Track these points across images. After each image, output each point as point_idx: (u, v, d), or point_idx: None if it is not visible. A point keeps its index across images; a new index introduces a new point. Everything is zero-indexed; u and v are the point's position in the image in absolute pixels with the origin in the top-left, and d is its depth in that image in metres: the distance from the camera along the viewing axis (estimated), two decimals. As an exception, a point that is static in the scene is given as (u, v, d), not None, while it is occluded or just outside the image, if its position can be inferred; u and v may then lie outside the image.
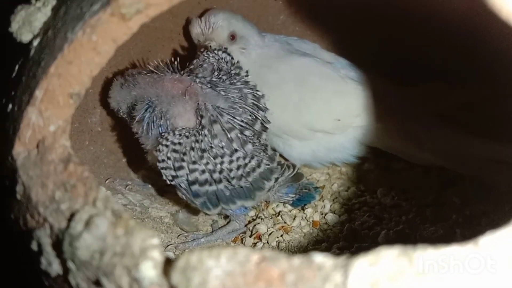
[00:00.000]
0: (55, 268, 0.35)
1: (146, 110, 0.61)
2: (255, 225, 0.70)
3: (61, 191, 0.36)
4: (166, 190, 0.73)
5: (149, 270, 0.31)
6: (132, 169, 0.76)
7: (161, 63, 0.63)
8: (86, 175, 0.36)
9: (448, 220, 0.66)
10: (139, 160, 0.70)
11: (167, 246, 0.66)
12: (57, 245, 0.35)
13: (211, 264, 0.29)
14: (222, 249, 0.29)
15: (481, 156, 0.67)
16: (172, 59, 0.64)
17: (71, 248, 0.33)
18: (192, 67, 0.64)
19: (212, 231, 0.70)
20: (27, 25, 0.42)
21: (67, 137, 0.38)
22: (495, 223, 0.60)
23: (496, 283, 0.28)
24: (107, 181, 0.73)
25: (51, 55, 0.38)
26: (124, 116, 0.66)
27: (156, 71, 0.63)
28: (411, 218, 0.68)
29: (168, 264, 0.31)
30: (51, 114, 0.38)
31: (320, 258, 0.29)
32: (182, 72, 0.62)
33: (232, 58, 0.65)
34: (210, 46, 0.69)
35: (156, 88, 0.61)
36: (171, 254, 0.63)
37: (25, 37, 0.44)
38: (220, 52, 0.65)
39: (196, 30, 0.72)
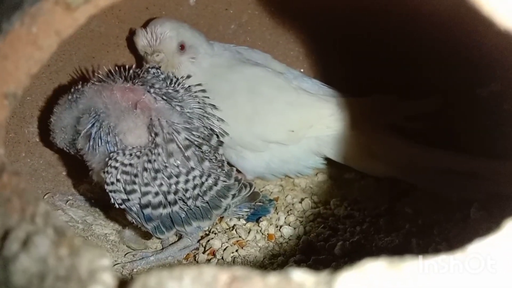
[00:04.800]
0: (-15, 297, 0.30)
1: (93, 125, 0.56)
2: (208, 241, 0.67)
3: (-7, 206, 0.31)
4: (111, 206, 0.68)
5: (100, 295, 0.27)
6: (73, 183, 0.71)
7: (112, 70, 0.58)
8: (23, 187, 0.31)
9: (401, 230, 0.66)
10: (80, 173, 0.65)
11: (114, 265, 0.61)
12: (-13, 269, 0.30)
13: (173, 287, 0.26)
14: (185, 269, 0.26)
15: (432, 166, 0.68)
16: (127, 66, 0.59)
17: (4, 273, 0.29)
18: (146, 76, 0.58)
19: (162, 248, 0.66)
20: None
21: (1, 144, 0.34)
22: (447, 232, 0.61)
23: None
24: (46, 196, 0.68)
25: (-17, 50, 0.34)
26: (71, 147, 0.59)
27: (105, 80, 0.58)
28: (365, 228, 0.68)
29: (122, 288, 0.28)
30: (-19, 118, 0.33)
31: (299, 275, 0.26)
32: (135, 81, 0.57)
33: (165, 76, 0.60)
34: (147, 62, 0.65)
35: (104, 97, 0.56)
36: (117, 275, 0.58)
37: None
38: (154, 70, 0.60)
39: (143, 42, 0.68)
